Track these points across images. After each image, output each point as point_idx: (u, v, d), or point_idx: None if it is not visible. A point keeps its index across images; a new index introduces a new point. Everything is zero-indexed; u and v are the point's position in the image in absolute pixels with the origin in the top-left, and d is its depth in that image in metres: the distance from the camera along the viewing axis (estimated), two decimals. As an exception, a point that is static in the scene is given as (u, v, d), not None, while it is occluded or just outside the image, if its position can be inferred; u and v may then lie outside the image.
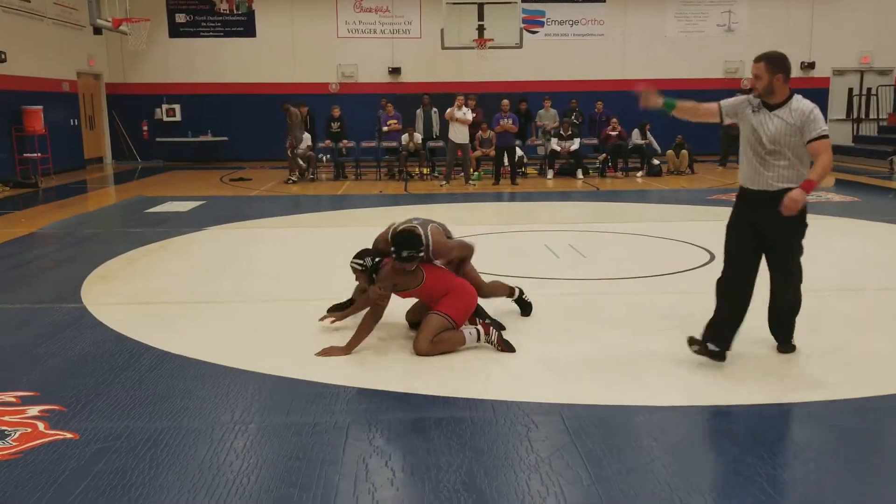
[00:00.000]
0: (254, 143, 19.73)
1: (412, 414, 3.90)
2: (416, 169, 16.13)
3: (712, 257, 7.50)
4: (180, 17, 19.99)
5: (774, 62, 4.21)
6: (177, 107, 19.99)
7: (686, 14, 20.53)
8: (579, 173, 15.57)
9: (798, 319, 4.76)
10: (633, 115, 16.88)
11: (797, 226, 4.34)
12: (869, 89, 20.60)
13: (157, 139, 19.95)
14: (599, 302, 6.09)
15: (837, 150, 19.69)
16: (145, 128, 20.14)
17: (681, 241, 8.51)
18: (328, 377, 4.37)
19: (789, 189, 4.16)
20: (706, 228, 9.19)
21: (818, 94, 20.53)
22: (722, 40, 20.44)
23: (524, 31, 18.13)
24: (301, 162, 15.57)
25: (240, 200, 12.86)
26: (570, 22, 20.42)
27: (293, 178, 15.38)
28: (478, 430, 3.72)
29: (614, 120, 16.20)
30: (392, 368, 4.56)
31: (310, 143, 15.82)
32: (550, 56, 19.79)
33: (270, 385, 4.33)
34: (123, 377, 4.40)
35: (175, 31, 19.98)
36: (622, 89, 19.38)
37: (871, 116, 20.45)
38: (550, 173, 15.81)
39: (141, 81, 20.02)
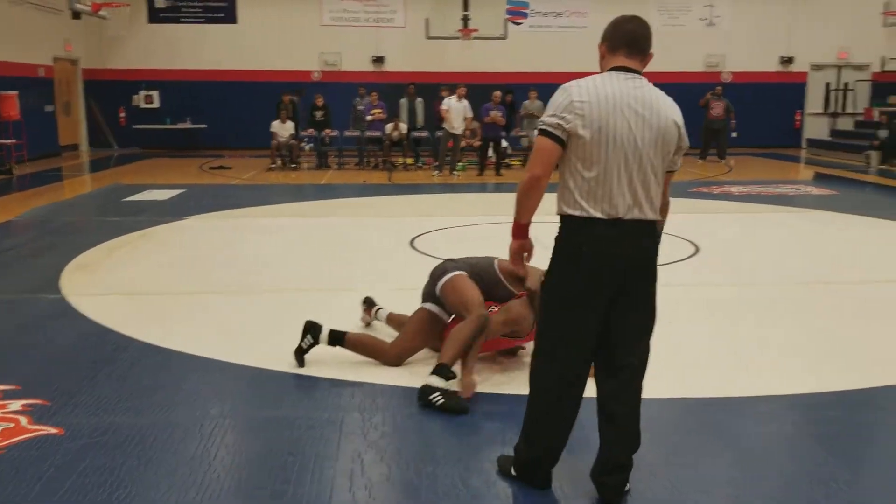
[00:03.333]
0: (234, 131, 19.50)
1: (406, 408, 3.84)
2: (400, 159, 16.03)
3: (697, 249, 7.52)
4: (160, 2, 19.65)
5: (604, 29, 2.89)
6: (155, 93, 19.69)
7: (668, 7, 20.53)
8: (562, 164, 15.53)
9: (784, 309, 4.72)
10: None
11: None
12: (846, 84, 20.76)
13: (135, 126, 19.65)
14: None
15: (815, 144, 19.98)
16: (122, 115, 19.83)
17: (665, 233, 8.48)
18: (319, 371, 4.29)
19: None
20: (690, 221, 9.22)
21: (796, 88, 20.79)
22: (703, 34, 20.46)
23: (509, 23, 18.08)
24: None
25: (221, 189, 12.70)
26: (554, 13, 20.35)
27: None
28: (474, 423, 3.67)
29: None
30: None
31: (293, 131, 15.66)
32: (535, 47, 19.72)
33: (259, 378, 4.25)
34: (108, 370, 4.30)
35: (154, 16, 19.67)
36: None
37: (848, 111, 20.63)
38: (533, 164, 15.74)
39: (118, 67, 19.69)
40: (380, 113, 15.98)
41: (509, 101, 16.27)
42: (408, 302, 5.06)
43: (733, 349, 4.72)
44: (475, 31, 17.43)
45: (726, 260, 7.30)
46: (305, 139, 16.41)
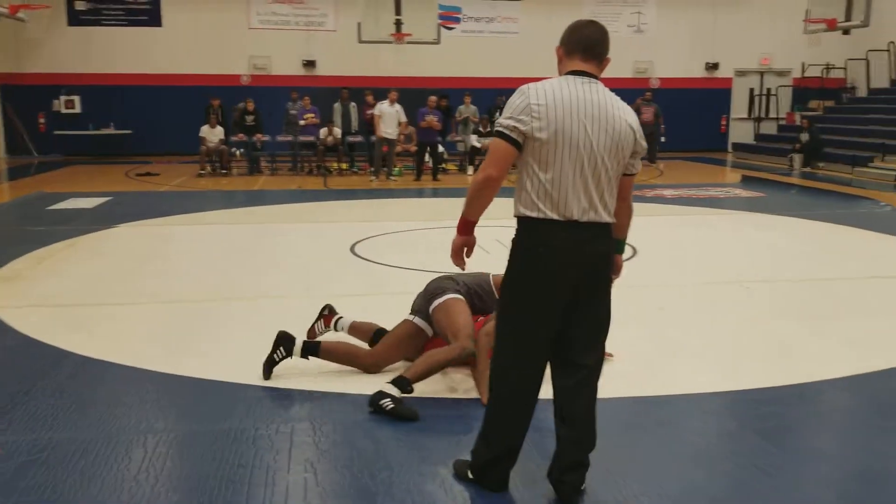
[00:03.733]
0: (160, 137, 18.98)
1: (357, 416, 3.76)
2: (335, 164, 15.87)
3: (635, 251, 7.63)
4: (80, 5, 19.01)
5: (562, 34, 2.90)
6: (76, 98, 19.01)
7: (599, 14, 20.88)
8: (498, 169, 15.64)
9: (725, 308, 4.81)
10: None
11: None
12: (769, 89, 21.50)
13: (56, 132, 18.93)
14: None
15: (741, 147, 20.62)
16: (42, 120, 19.09)
17: (605, 235, 8.61)
18: (263, 380, 4.18)
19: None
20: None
21: (722, 94, 21.43)
22: (632, 41, 20.90)
23: (442, 28, 18.12)
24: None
25: (149, 196, 12.34)
26: (486, 19, 20.50)
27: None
28: (427, 429, 3.63)
29: (531, 116, 16.31)
30: (329, 366, 4.41)
31: (222, 136, 15.34)
32: (468, 53, 19.81)
33: (200, 389, 4.11)
34: (43, 385, 4.10)
35: (74, 18, 19.00)
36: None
37: (772, 115, 21.36)
38: (471, 169, 15.82)
39: (37, 71, 18.95)
40: (313, 117, 15.80)
41: (445, 105, 16.30)
42: (353, 309, 5.02)
43: (677, 348, 4.80)
44: (408, 35, 17.41)
45: (665, 261, 7.44)
46: (235, 145, 16.09)
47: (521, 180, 2.78)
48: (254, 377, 4.19)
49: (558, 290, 2.75)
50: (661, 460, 3.35)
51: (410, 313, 4.31)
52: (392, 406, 3.70)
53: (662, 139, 17.85)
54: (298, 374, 4.23)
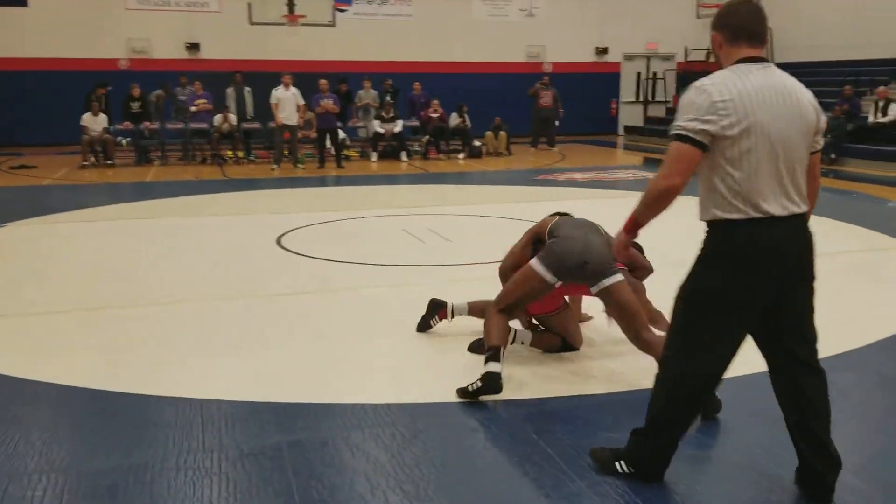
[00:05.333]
0: (33, 126, 17.44)
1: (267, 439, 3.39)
2: (230, 152, 15.05)
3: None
4: (-69, -19, 17.18)
5: (715, 15, 2.73)
6: (-69, 86, 17.21)
7: (491, -2, 20.86)
8: (403, 155, 15.33)
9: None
10: (451, 97, 17.01)
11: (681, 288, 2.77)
12: (655, 73, 22.12)
13: None
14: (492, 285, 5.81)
15: (632, 130, 21.14)
16: None
17: (535, 221, 8.46)
18: (179, 388, 3.77)
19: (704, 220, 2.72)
20: (554, 209, 9.26)
21: (611, 78, 21.86)
22: (524, 25, 20.96)
23: (336, 10, 17.54)
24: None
25: (30, 191, 11.27)
26: (378, 1, 20.02)
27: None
28: (324, 450, 3.30)
29: (435, 102, 16.08)
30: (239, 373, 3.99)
31: (105, 124, 14.22)
32: (364, 36, 19.28)
33: (141, 407, 3.61)
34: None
35: (-75, -4, 17.15)
36: (436, 71, 19.75)
37: (659, 99, 21.99)
38: (374, 156, 15.41)
39: None
40: (205, 103, 14.92)
41: (344, 90, 15.77)
42: (305, 307, 4.60)
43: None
44: (302, 17, 16.74)
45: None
46: (119, 134, 14.98)
47: (710, 182, 2.59)
48: (171, 387, 3.73)
49: (763, 291, 2.60)
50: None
51: (613, 275, 3.87)
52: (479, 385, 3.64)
53: (556, 123, 18.00)
54: (291, 386, 3.80)
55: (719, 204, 2.58)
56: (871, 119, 13.90)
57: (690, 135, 2.51)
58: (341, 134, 14.86)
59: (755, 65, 2.58)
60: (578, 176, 12.61)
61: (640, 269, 4.44)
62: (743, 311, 2.62)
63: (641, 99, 22.10)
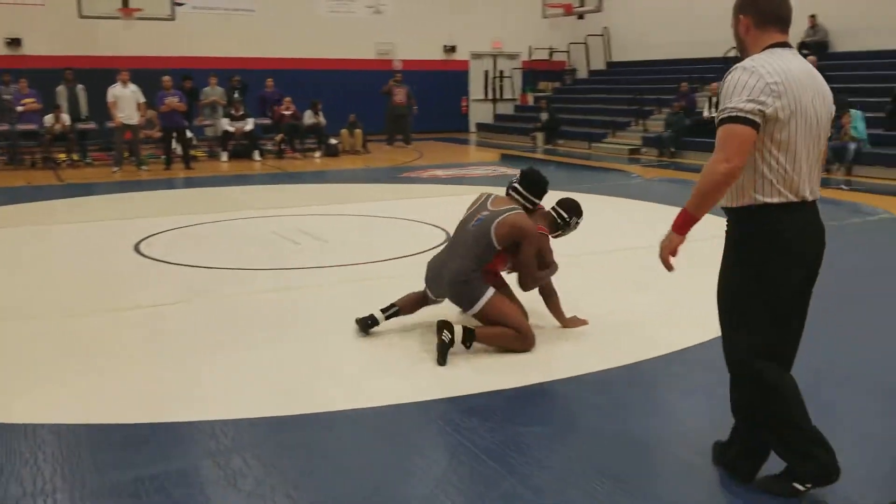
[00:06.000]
0: None
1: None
2: (63, 155, 13.87)
3: (448, 235, 7.40)
4: None
5: (739, 0, 2.68)
6: None
7: (335, -6, 20.53)
8: (256, 155, 14.76)
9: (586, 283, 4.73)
10: (302, 94, 16.56)
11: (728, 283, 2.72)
12: (501, 72, 22.58)
13: None
14: (389, 285, 5.62)
15: (483, 127, 21.48)
16: None
17: (408, 219, 8.35)
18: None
19: (730, 208, 2.66)
20: (428, 206, 9.22)
21: (460, 76, 22.10)
22: (371, 22, 20.77)
23: (175, 3, 16.59)
24: None
25: None
26: (217, -6, 19.18)
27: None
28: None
29: (287, 99, 15.60)
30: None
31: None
32: (206, 31, 18.37)
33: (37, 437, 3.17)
34: None
35: None
36: (286, 68, 19.16)
37: (507, 97, 22.48)
38: (224, 155, 14.73)
39: None
40: (33, 102, 13.69)
41: (189, 87, 14.96)
42: (183, 318, 4.21)
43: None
44: (138, 10, 15.72)
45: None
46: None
47: (754, 165, 2.52)
48: (99, 414, 3.32)
49: (804, 271, 2.61)
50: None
51: (470, 306, 4.23)
52: (446, 342, 3.99)
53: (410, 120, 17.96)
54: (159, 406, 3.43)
55: (762, 188, 2.54)
56: (705, 114, 14.81)
57: (747, 115, 2.45)
58: (188, 133, 14.08)
59: (787, 50, 2.58)
60: (440, 173, 12.60)
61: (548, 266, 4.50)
62: (787, 290, 2.59)
63: (490, 97, 22.51)
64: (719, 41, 17.22)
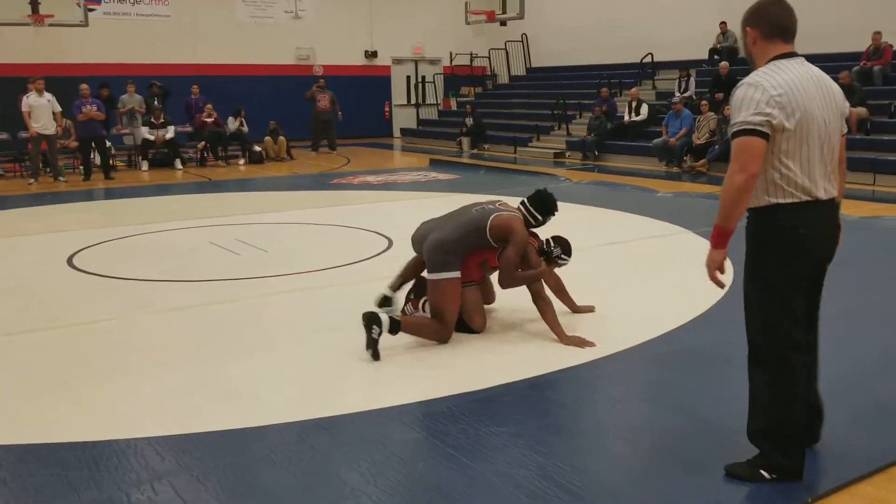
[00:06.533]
0: None
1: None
2: (-28, 167, 13.25)
3: (390, 242, 7.42)
4: None
5: (746, 13, 2.87)
6: None
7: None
8: (178, 163, 14.40)
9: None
10: (223, 100, 16.25)
11: (748, 273, 2.89)
12: (423, 77, 22.68)
13: None
14: (336, 294, 5.60)
15: (407, 132, 21.52)
16: None
17: (347, 226, 8.32)
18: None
19: (748, 208, 2.82)
20: (364, 213, 9.21)
21: (382, 81, 22.09)
22: (291, 27, 20.57)
23: (88, 9, 16.05)
24: None
25: None
26: (131, 1, 18.65)
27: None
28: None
29: (209, 106, 15.28)
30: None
31: None
32: (121, 37, 17.85)
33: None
34: None
35: None
36: (205, 74, 18.74)
37: (430, 102, 22.58)
38: (145, 164, 14.33)
39: None
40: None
41: (106, 95, 14.49)
42: (114, 336, 4.11)
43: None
44: (49, 16, 15.12)
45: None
46: None
47: (764, 172, 2.72)
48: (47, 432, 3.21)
49: (813, 264, 2.84)
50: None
51: (434, 271, 4.42)
52: (376, 336, 4.13)
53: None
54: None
55: (773, 192, 2.74)
56: (626, 118, 15.24)
57: (756, 127, 2.64)
58: (107, 143, 13.63)
59: (793, 59, 2.75)
60: (371, 179, 12.58)
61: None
62: (799, 282, 2.81)
63: (413, 102, 22.57)
64: (636, 47, 17.89)
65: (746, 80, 2.72)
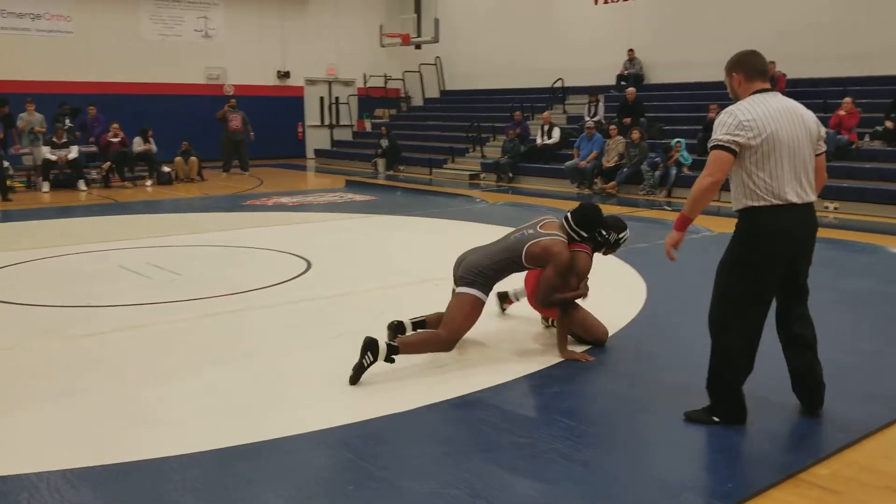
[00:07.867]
0: None
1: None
2: None
3: (309, 264, 7.32)
4: None
5: (730, 62, 3.56)
6: None
7: (161, 17, 19.77)
8: (81, 184, 13.86)
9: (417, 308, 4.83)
10: (131, 120, 15.76)
11: (724, 256, 3.56)
12: (337, 98, 22.59)
13: None
14: (251, 317, 5.46)
15: (322, 154, 21.36)
16: None
17: (262, 248, 8.17)
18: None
19: (735, 210, 3.51)
20: (279, 235, 9.05)
21: (294, 102, 21.91)
22: (201, 46, 20.20)
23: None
24: None
25: None
26: (32, 15, 17.94)
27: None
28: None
29: (115, 125, 14.79)
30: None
31: None
32: (20, 53, 17.13)
33: None
34: None
35: None
36: (112, 92, 18.14)
37: (343, 123, 22.50)
38: (46, 185, 13.71)
39: None
40: None
41: (5, 113, 13.84)
42: (16, 365, 3.90)
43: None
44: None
45: (343, 269, 7.24)
46: None
47: (740, 180, 3.42)
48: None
49: (783, 261, 3.45)
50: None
51: (462, 286, 4.44)
52: (369, 364, 4.08)
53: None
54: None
55: (750, 196, 3.41)
56: (539, 141, 15.56)
57: (725, 144, 3.36)
58: (5, 163, 13.00)
59: (767, 94, 3.48)
60: (286, 200, 12.41)
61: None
62: (769, 276, 3.44)
63: (327, 123, 22.43)
64: (547, 72, 18.33)
65: (727, 108, 3.46)
